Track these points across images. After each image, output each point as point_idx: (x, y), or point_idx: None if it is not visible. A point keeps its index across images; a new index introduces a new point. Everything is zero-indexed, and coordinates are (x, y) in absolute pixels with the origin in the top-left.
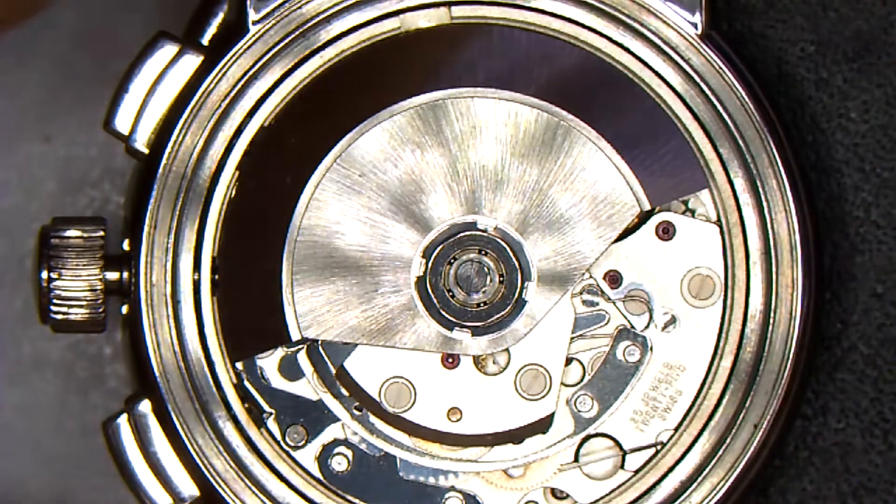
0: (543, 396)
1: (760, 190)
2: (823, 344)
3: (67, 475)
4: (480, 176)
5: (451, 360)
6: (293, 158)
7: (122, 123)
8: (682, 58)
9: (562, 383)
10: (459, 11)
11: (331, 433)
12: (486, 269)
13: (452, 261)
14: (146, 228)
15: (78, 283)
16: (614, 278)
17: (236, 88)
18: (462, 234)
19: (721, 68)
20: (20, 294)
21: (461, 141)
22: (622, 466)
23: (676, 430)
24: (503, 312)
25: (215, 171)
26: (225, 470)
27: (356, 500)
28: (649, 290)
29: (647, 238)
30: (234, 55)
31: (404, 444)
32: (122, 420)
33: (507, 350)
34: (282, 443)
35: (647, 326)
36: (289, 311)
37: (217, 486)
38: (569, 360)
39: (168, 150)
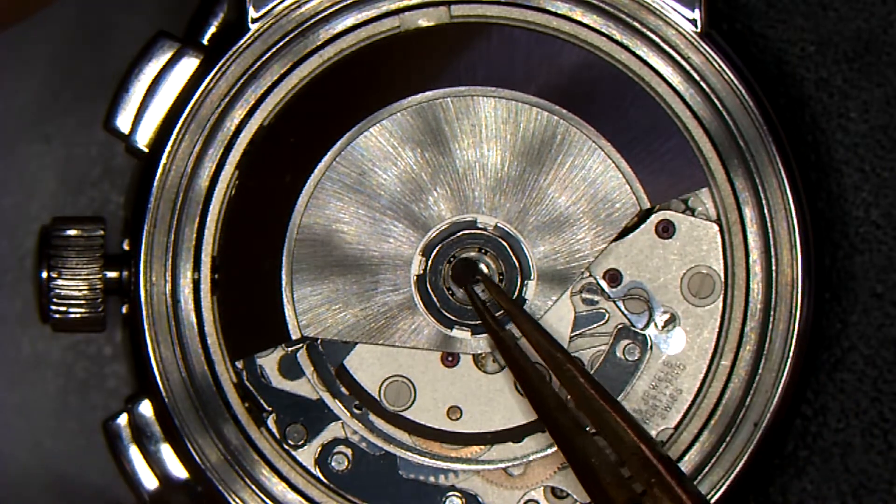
0: None
1: (760, 189)
2: (823, 344)
3: (67, 475)
4: (480, 174)
5: (450, 358)
6: (292, 157)
7: (123, 123)
8: (681, 56)
9: None
10: (459, 10)
11: (331, 432)
12: (485, 268)
13: (452, 259)
14: (146, 228)
15: (78, 283)
16: (614, 277)
17: (236, 88)
18: (462, 233)
19: (721, 67)
20: (20, 294)
21: (461, 140)
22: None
23: (676, 428)
24: (503, 311)
25: (215, 171)
26: (225, 469)
27: (356, 499)
28: (649, 288)
29: (647, 236)
30: (233, 54)
31: (404, 443)
32: (122, 420)
33: None
34: (282, 442)
35: (646, 325)
36: (288, 310)
37: (217, 486)
38: None
39: (168, 149)
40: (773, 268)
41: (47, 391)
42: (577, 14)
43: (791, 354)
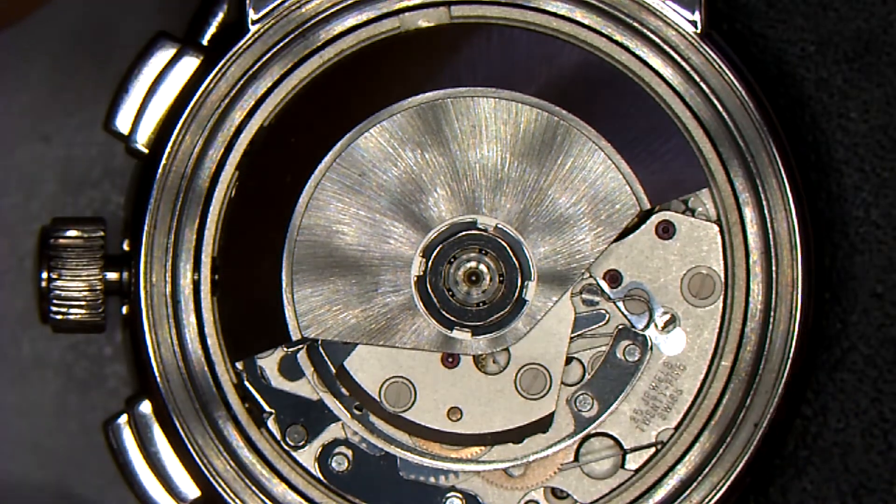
0: (543, 396)
1: (760, 189)
2: (823, 344)
3: (67, 475)
4: (480, 175)
5: (451, 359)
6: (293, 158)
7: (122, 123)
8: (681, 57)
9: (562, 382)
10: (459, 11)
11: (331, 433)
12: (486, 269)
13: (452, 260)
14: (146, 228)
15: (78, 284)
16: (614, 277)
17: (236, 88)
18: (462, 234)
19: (721, 67)
20: (20, 294)
21: (461, 140)
22: (622, 466)
23: (677, 429)
24: (503, 312)
25: (215, 171)
26: (225, 470)
27: (356, 500)
28: (649, 289)
29: (647, 237)
30: (233, 55)
31: (404, 444)
32: (123, 420)
33: (507, 349)
34: (282, 443)
35: (647, 326)
36: (289, 311)
37: (217, 487)
38: (569, 360)
39: (168, 150)
40: (773, 268)
41: (47, 391)
42: (577, 14)
43: (791, 355)
